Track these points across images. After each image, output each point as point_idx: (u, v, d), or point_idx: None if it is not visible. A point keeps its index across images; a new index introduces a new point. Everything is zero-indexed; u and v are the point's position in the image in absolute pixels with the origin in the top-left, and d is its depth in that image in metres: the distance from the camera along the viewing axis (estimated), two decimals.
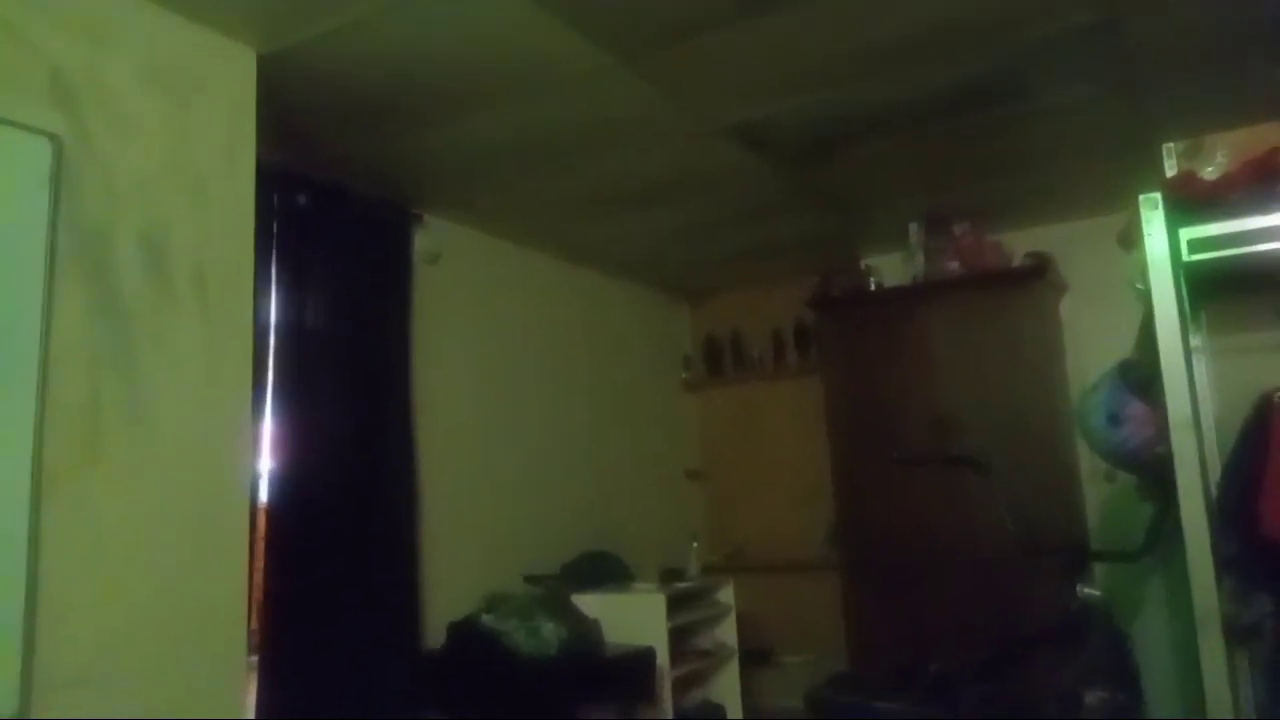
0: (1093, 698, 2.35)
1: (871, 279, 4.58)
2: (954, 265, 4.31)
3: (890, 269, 4.63)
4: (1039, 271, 4.13)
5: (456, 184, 3.58)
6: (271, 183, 2.87)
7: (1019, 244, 4.35)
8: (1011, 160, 3.71)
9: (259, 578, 2.82)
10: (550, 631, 3.27)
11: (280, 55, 2.47)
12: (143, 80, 2.19)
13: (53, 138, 1.96)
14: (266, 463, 2.99)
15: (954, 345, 4.21)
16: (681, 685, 3.97)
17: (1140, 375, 2.16)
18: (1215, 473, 2.13)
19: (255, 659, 2.76)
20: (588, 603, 3.71)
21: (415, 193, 3.61)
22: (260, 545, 2.87)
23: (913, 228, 4.40)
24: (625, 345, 5.11)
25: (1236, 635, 1.76)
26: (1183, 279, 1.80)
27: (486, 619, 3.30)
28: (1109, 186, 3.86)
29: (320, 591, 3.04)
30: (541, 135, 3.16)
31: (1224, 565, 1.71)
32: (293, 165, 3.11)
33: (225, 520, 2.26)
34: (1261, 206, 1.76)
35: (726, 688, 4.41)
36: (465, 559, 3.71)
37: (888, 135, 3.38)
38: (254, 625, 2.66)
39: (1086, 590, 2.50)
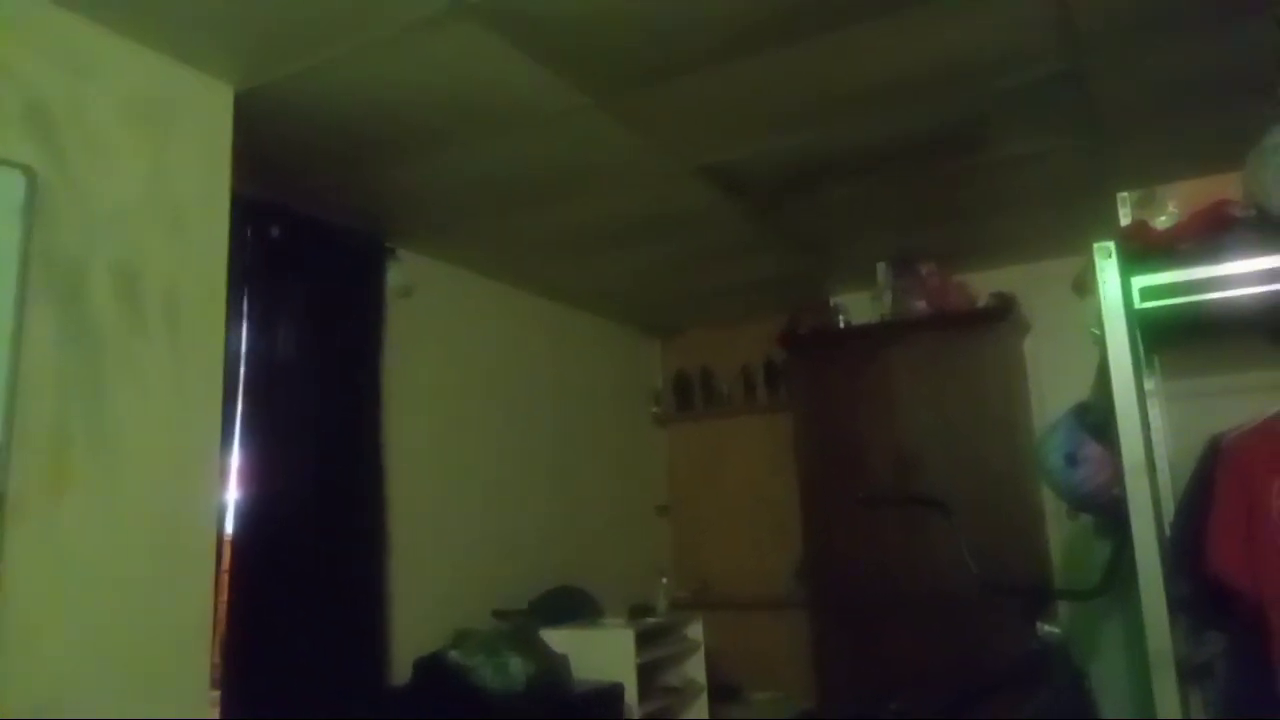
0: None
1: (840, 317, 4.65)
2: (921, 304, 4.38)
3: (858, 307, 4.70)
4: (1003, 312, 4.22)
5: (431, 219, 3.60)
6: (246, 214, 2.88)
7: (983, 284, 4.44)
8: (977, 204, 3.79)
9: (222, 611, 2.78)
10: (518, 667, 3.25)
11: (257, 90, 2.49)
12: (121, 114, 2.21)
13: (25, 170, 1.97)
14: (232, 493, 2.96)
15: (921, 383, 4.27)
16: None
17: (1097, 417, 2.20)
18: (1169, 514, 2.18)
19: (217, 694, 2.73)
20: (556, 638, 3.70)
21: (389, 226, 3.63)
22: (224, 578, 2.84)
23: (881, 267, 4.48)
24: (595, 380, 5.13)
25: (1190, 674, 1.79)
26: (1136, 325, 1.84)
27: (454, 655, 3.28)
28: (1069, 231, 3.96)
29: (284, 625, 3.01)
30: (516, 173, 3.19)
31: (1177, 605, 1.75)
32: (267, 197, 3.12)
33: (191, 550, 2.25)
34: (1210, 257, 1.80)
35: None
36: (433, 594, 3.68)
37: (858, 178, 3.46)
38: (216, 659, 2.62)
39: (1047, 628, 2.52)
